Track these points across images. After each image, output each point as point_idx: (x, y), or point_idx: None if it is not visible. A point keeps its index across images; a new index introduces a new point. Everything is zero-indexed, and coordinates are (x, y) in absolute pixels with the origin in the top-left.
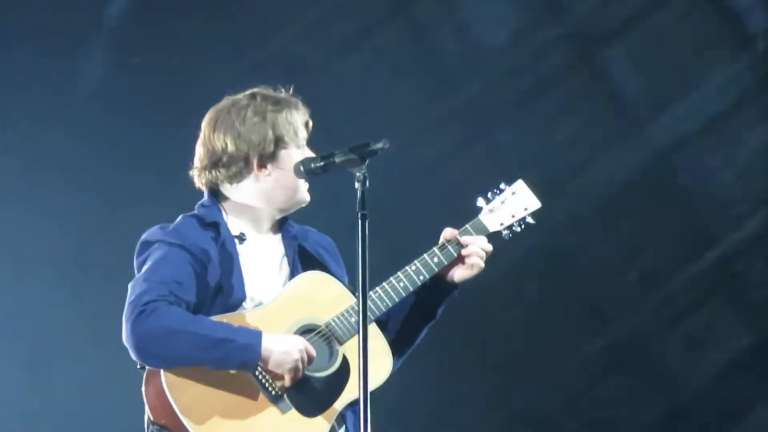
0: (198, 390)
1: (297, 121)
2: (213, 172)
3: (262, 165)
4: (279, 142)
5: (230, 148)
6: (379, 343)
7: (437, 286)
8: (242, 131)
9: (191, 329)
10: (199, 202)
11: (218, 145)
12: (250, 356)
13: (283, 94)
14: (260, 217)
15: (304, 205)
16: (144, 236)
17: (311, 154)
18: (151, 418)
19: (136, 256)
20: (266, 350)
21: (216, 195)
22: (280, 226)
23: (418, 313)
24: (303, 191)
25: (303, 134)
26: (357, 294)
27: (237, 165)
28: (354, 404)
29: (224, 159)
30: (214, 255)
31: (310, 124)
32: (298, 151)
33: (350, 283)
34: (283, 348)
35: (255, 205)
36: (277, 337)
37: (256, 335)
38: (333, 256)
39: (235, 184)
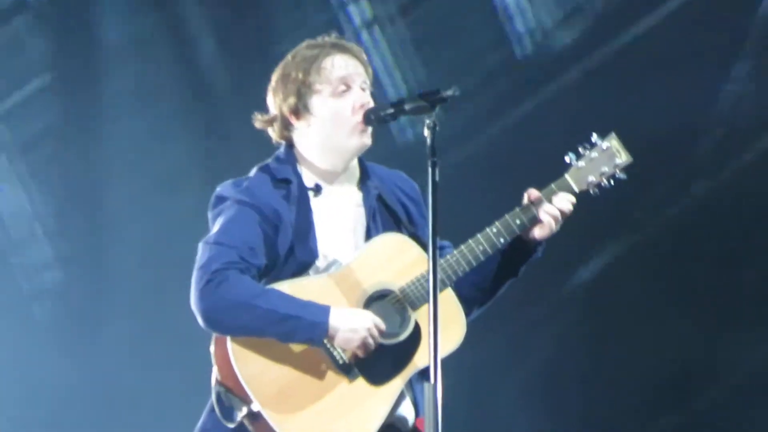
0: (263, 359)
1: (334, 65)
2: (276, 126)
3: (296, 116)
4: (307, 90)
5: (270, 102)
6: (452, 308)
7: (520, 245)
8: (275, 85)
9: (259, 303)
10: (275, 154)
11: (268, 100)
12: (317, 334)
13: (324, 39)
14: (326, 168)
15: (362, 149)
16: (218, 190)
17: (360, 98)
18: (219, 379)
19: (210, 209)
20: (333, 328)
21: (292, 147)
22: (362, 175)
23: (501, 270)
24: (349, 136)
25: (341, 77)
26: (444, 251)
27: (282, 119)
28: (423, 372)
29: (272, 113)
30: (286, 215)
31: (358, 65)
32: (333, 98)
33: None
34: (351, 325)
35: (315, 156)
36: (345, 314)
37: (324, 312)
38: (417, 205)
39: (294, 137)
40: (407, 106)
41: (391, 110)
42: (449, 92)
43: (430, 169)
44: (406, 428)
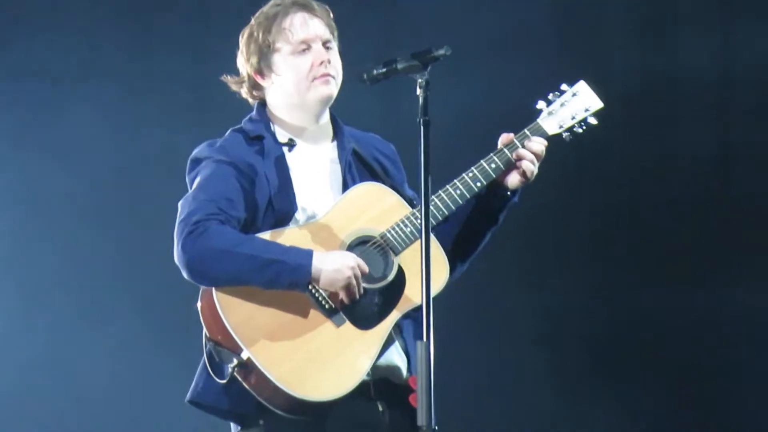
0: (250, 307)
1: (293, 24)
2: (245, 87)
3: (261, 75)
4: (268, 50)
5: (239, 62)
6: (435, 252)
7: (496, 191)
8: (242, 46)
9: (241, 250)
10: (248, 116)
11: (237, 62)
12: (300, 277)
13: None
14: (297, 124)
15: (326, 100)
16: (193, 153)
17: (320, 56)
18: (208, 335)
19: (187, 173)
20: (317, 270)
21: (264, 106)
22: (336, 133)
23: (480, 218)
24: (310, 90)
25: (303, 36)
26: (419, 202)
27: (249, 79)
28: (410, 314)
29: (242, 74)
30: (261, 169)
31: (319, 24)
32: (293, 56)
33: (412, 188)
34: (334, 266)
35: (284, 113)
36: (328, 256)
37: (307, 255)
38: (394, 163)
39: (266, 97)
40: (399, 66)
41: (383, 69)
42: (441, 51)
43: (422, 128)
44: (400, 380)
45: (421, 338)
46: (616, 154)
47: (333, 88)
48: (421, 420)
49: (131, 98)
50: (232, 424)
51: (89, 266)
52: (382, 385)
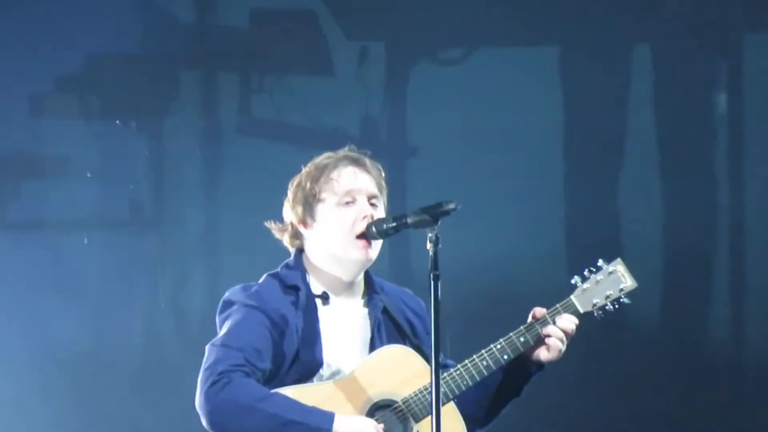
0: None
1: (341, 176)
2: (287, 235)
3: (304, 224)
4: (314, 198)
5: (284, 209)
6: (454, 423)
7: (522, 364)
8: (289, 194)
9: (263, 407)
10: (285, 262)
11: (284, 209)
12: None
13: (342, 151)
14: (333, 277)
15: (365, 264)
16: (226, 295)
17: (363, 210)
18: None
19: (218, 314)
20: None
21: (302, 253)
22: (368, 289)
23: (503, 388)
24: (350, 249)
25: (347, 189)
26: (430, 358)
27: (292, 227)
28: None
29: (285, 222)
30: (293, 321)
31: (367, 179)
32: (337, 207)
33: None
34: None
35: (322, 265)
36: (349, 421)
37: (328, 419)
38: (422, 320)
39: (305, 246)
40: (410, 220)
41: (393, 224)
42: (451, 206)
43: (432, 283)
44: None
45: None
46: None
47: (372, 254)
48: None
49: None
50: None
51: None
52: None
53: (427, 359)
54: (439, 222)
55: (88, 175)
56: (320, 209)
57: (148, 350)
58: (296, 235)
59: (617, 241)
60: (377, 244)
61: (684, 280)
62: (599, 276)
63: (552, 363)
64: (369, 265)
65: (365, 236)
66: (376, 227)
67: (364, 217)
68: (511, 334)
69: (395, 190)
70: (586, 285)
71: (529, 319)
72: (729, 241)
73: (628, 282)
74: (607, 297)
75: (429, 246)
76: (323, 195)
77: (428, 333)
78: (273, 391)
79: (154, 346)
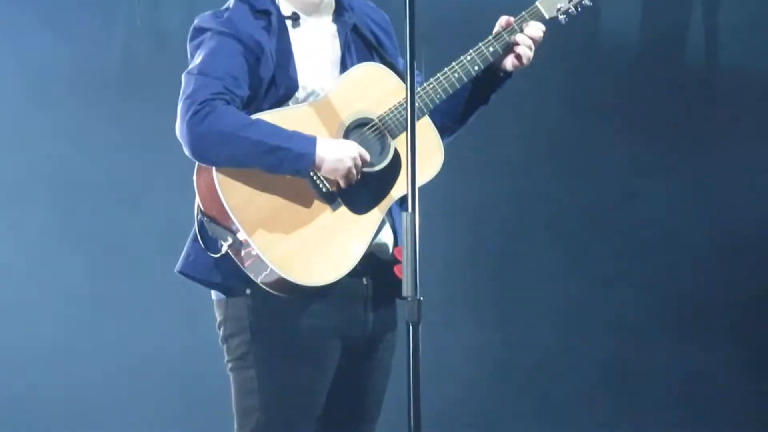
0: (248, 189)
1: None
2: None
3: None
4: None
5: None
6: (430, 136)
7: (492, 74)
8: None
9: (246, 134)
10: None
11: None
12: (303, 165)
13: None
14: None
15: None
16: (196, 22)
17: None
18: (202, 209)
19: (189, 41)
20: (320, 158)
21: None
22: (337, 6)
23: (472, 98)
24: None
25: None
26: (403, 74)
27: None
28: (403, 200)
29: None
30: (267, 45)
31: None
32: None
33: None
34: (337, 155)
35: None
36: (331, 145)
37: (311, 143)
38: (387, 34)
39: None
40: None
41: None
42: None
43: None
44: (386, 255)
45: (407, 209)
46: None
47: None
48: (406, 291)
49: None
50: (213, 292)
51: None
52: (367, 260)
53: (399, 75)
54: None
55: None
56: None
57: (127, 72)
58: None
59: None
60: None
61: None
62: None
63: (520, 71)
64: None
65: None
66: None
67: None
68: (480, 44)
69: None
70: None
71: (496, 28)
72: None
73: None
74: (570, 0)
75: None
76: None
77: (396, 47)
78: (254, 117)
79: (133, 65)
